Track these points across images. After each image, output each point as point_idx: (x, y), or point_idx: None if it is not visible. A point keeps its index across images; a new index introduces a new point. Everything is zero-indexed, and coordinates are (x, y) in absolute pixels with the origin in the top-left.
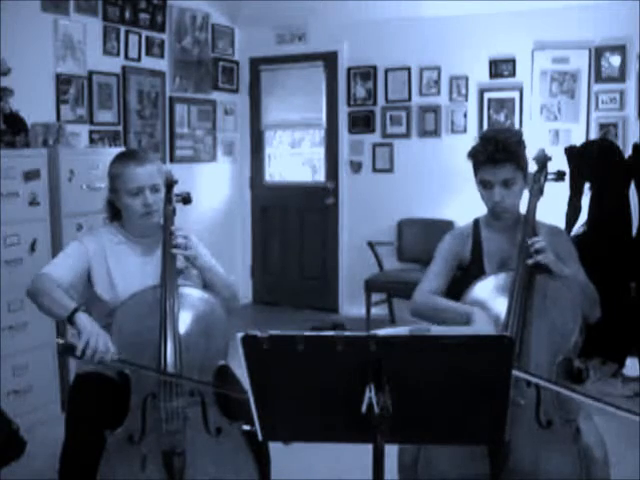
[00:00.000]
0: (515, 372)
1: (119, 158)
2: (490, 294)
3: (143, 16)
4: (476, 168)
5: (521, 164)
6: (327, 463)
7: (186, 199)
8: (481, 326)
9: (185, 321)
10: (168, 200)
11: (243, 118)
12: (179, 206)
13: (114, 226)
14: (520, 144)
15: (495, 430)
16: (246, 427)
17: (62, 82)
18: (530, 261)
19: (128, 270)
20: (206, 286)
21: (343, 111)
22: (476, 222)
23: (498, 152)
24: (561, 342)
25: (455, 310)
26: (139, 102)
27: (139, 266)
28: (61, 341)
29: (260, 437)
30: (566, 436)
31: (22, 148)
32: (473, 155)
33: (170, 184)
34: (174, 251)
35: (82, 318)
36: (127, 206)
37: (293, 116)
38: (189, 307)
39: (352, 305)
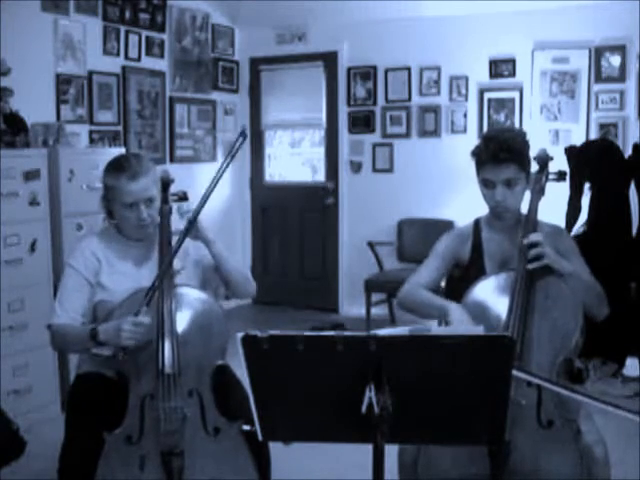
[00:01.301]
0: (515, 372)
1: (112, 170)
2: (491, 294)
3: (143, 16)
4: (478, 167)
5: (524, 164)
6: (327, 463)
7: (182, 198)
8: (458, 323)
9: (182, 320)
10: (164, 199)
11: (243, 118)
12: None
13: (112, 226)
14: (524, 144)
15: (495, 430)
16: (246, 427)
17: (62, 82)
18: (530, 266)
19: (123, 272)
20: (217, 270)
21: (343, 111)
22: (477, 222)
23: (502, 151)
24: (562, 342)
25: (433, 304)
26: (139, 102)
27: (134, 268)
28: (123, 354)
29: (260, 437)
30: (567, 436)
31: (22, 148)
32: (476, 154)
33: (166, 183)
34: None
35: (100, 334)
36: (121, 217)
37: (293, 116)
38: (186, 306)
39: (352, 305)
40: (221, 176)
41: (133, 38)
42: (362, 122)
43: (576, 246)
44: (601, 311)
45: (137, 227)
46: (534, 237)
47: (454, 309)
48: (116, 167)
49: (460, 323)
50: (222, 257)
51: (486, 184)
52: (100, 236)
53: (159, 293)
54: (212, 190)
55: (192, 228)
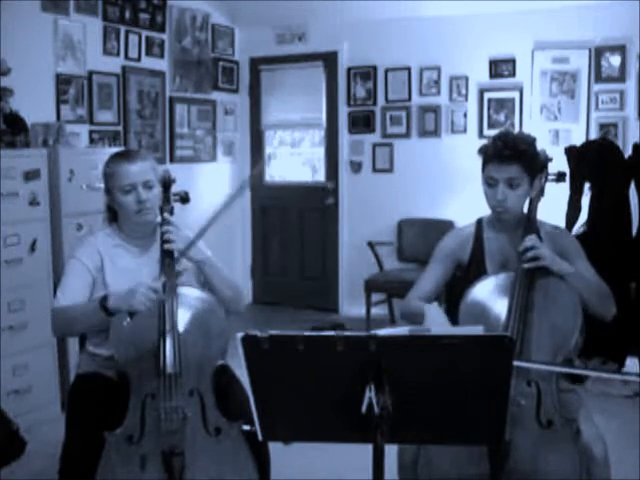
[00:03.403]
0: (516, 363)
1: (112, 158)
2: (490, 294)
3: (143, 16)
4: (484, 165)
5: (529, 167)
6: (327, 463)
7: (184, 198)
8: (434, 321)
9: (184, 321)
10: (166, 199)
11: (243, 118)
12: (178, 206)
13: (112, 228)
14: (530, 147)
15: (495, 430)
16: (246, 427)
17: (62, 82)
18: (526, 266)
19: (125, 271)
20: (206, 285)
21: (343, 111)
22: (479, 222)
23: (507, 149)
24: (561, 342)
25: (417, 312)
26: (139, 102)
27: (135, 267)
28: (129, 321)
29: (260, 437)
30: (566, 436)
31: (22, 148)
32: (483, 151)
33: (168, 183)
34: (166, 246)
35: (111, 300)
36: (121, 204)
37: (293, 116)
38: (188, 306)
39: (352, 305)
40: (220, 213)
41: (133, 38)
42: (362, 122)
43: (579, 246)
44: (607, 311)
45: (137, 212)
46: (529, 241)
47: (428, 308)
48: (116, 154)
49: (435, 321)
50: (214, 275)
51: (489, 183)
52: (104, 234)
53: (161, 299)
54: (210, 225)
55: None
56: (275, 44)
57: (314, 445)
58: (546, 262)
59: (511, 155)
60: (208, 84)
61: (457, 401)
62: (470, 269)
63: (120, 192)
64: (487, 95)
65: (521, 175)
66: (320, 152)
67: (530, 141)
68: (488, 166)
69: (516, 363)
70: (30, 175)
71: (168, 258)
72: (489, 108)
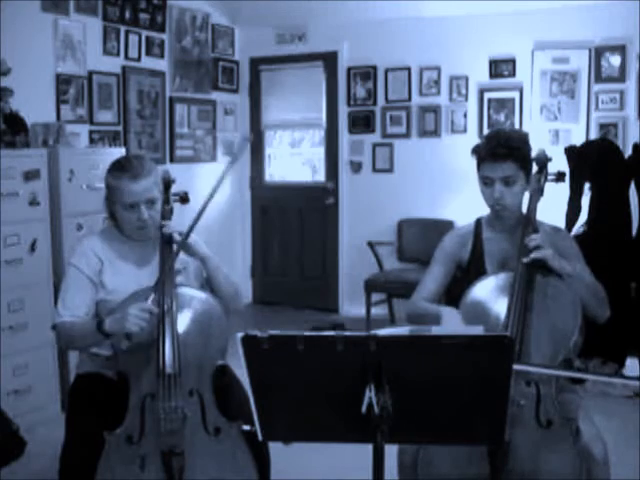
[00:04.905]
0: (516, 366)
1: (114, 171)
2: (490, 294)
3: (143, 16)
4: (478, 165)
5: (523, 163)
6: (327, 463)
7: (184, 199)
8: (450, 324)
9: (183, 321)
10: (165, 200)
11: (243, 118)
12: (178, 206)
13: (113, 227)
14: (524, 143)
15: (495, 430)
16: (246, 427)
17: (62, 82)
18: (525, 259)
19: (125, 273)
20: (208, 283)
21: (343, 111)
22: (478, 222)
23: (500, 147)
24: (561, 342)
25: (429, 313)
26: (139, 102)
27: (136, 269)
28: (127, 343)
29: (260, 437)
30: (566, 436)
31: (22, 148)
32: (476, 151)
33: (167, 183)
34: (165, 230)
35: (106, 324)
36: (122, 218)
37: (293, 116)
38: (187, 307)
39: (352, 305)
40: (214, 193)
41: (133, 38)
42: (362, 122)
43: (577, 247)
44: (602, 313)
45: (137, 228)
46: (533, 241)
47: (446, 312)
48: (118, 168)
49: (450, 324)
50: (216, 273)
51: (485, 182)
52: (102, 236)
53: (159, 294)
54: (204, 209)
55: (182, 248)
56: (275, 44)
57: (314, 445)
58: (549, 260)
59: (505, 153)
60: (208, 84)
61: (457, 401)
62: (470, 269)
63: (122, 207)
64: (487, 95)
65: (516, 172)
66: (320, 152)
67: (523, 137)
68: (483, 165)
69: (517, 367)
70: (30, 175)
71: (168, 248)
72: (489, 108)
